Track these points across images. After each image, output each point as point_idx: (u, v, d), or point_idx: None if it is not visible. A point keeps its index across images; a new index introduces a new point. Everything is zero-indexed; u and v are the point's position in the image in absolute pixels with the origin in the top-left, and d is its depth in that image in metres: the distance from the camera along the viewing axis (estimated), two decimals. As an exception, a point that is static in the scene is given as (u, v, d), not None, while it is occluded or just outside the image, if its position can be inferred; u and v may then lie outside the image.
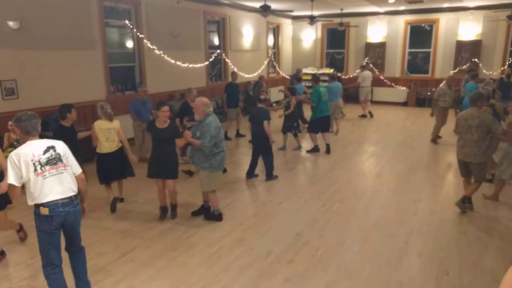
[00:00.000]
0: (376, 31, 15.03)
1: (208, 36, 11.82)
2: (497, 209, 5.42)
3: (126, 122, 7.35)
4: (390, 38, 14.83)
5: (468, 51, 13.62)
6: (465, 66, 13.43)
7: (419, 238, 4.60)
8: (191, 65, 10.82)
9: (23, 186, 3.09)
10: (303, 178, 6.99)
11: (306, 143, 9.01)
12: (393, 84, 15.00)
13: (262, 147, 6.55)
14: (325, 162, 7.89)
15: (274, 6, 10.76)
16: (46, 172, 3.06)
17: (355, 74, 14.88)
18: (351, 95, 14.33)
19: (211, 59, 11.81)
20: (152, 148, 5.05)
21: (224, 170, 6.25)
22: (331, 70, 14.96)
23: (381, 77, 14.99)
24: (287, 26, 16.50)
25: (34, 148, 3.06)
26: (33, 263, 4.07)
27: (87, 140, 5.71)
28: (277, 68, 16.06)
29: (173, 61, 10.12)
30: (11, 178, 2.98)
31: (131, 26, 9.16)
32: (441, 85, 10.20)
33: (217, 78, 12.72)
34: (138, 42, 9.32)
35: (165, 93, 9.96)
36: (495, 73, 12.88)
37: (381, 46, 14.97)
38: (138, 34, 9.24)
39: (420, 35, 14.75)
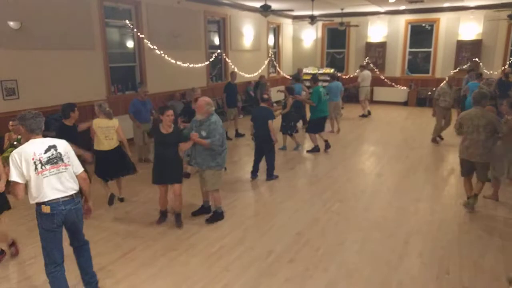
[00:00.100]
0: (377, 30, 15.02)
1: (208, 36, 11.82)
2: (497, 208, 5.42)
3: (126, 122, 7.36)
4: (391, 37, 14.82)
5: (468, 51, 13.62)
6: (465, 66, 13.42)
7: (419, 238, 4.60)
8: (191, 65, 10.82)
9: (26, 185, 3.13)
10: (303, 178, 6.99)
11: (307, 143, 9.01)
12: (393, 83, 14.99)
13: (265, 147, 6.55)
14: (325, 162, 7.89)
15: (274, 6, 10.76)
16: (46, 171, 3.09)
17: (355, 74, 14.88)
18: (352, 95, 14.33)
19: (212, 59, 11.81)
20: (156, 153, 4.89)
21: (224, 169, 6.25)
22: (332, 70, 14.96)
23: (382, 77, 14.99)
24: (288, 26, 16.50)
25: (35, 147, 3.09)
26: (33, 263, 4.08)
27: (88, 140, 5.71)
28: (277, 68, 16.06)
29: (173, 61, 10.12)
30: (14, 176, 3.02)
31: (131, 26, 9.16)
32: (441, 84, 10.18)
33: (218, 78, 12.73)
34: (138, 42, 9.33)
35: (165, 93, 9.97)
36: (496, 72, 12.86)
37: (382, 45, 14.96)
38: (139, 34, 9.25)
39: (421, 35, 14.74)
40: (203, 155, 4.85)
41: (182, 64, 10.46)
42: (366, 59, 15.07)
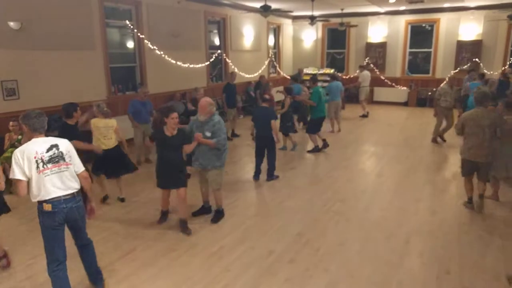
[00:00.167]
0: (377, 31, 15.03)
1: (208, 36, 11.83)
2: (497, 208, 5.42)
3: (126, 123, 7.36)
4: (391, 38, 14.83)
5: (468, 51, 13.62)
6: (465, 66, 13.43)
7: (419, 238, 4.60)
8: (191, 65, 10.83)
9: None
10: (303, 178, 6.99)
11: (309, 143, 9.01)
12: (393, 84, 14.99)
13: (266, 147, 6.54)
14: (325, 162, 7.89)
15: (274, 6, 10.77)
16: (48, 170, 3.12)
17: (355, 74, 14.88)
18: (352, 95, 14.33)
19: (212, 59, 11.82)
20: (159, 157, 4.76)
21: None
22: (332, 70, 14.97)
23: (382, 77, 14.99)
24: (288, 26, 16.51)
25: (38, 146, 3.13)
26: (33, 263, 4.07)
27: (90, 140, 5.71)
28: (277, 68, 16.07)
29: (173, 62, 10.13)
30: (16, 173, 3.06)
31: (131, 27, 9.17)
32: (442, 84, 10.19)
33: (218, 78, 12.73)
34: (138, 42, 9.33)
35: (165, 94, 9.97)
36: (496, 72, 12.86)
37: (382, 46, 14.97)
38: (139, 34, 9.25)
39: (421, 35, 14.75)
40: (208, 155, 4.87)
41: (183, 65, 10.46)
42: (366, 59, 15.07)
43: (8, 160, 6.05)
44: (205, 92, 10.43)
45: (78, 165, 3.36)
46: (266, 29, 14.79)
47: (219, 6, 11.90)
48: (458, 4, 12.88)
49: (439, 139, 9.11)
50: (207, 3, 11.29)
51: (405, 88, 14.86)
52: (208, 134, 4.79)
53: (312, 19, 12.62)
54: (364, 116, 12.57)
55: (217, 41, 12.61)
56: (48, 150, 3.15)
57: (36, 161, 3.08)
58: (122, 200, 5.76)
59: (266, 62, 14.98)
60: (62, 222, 3.22)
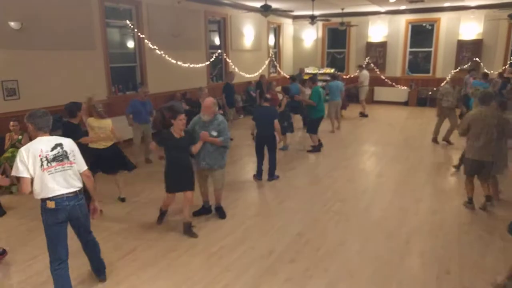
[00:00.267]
0: (377, 30, 15.02)
1: (209, 36, 11.82)
2: (497, 208, 5.42)
3: (126, 123, 7.37)
4: (391, 37, 14.82)
5: (469, 50, 13.61)
6: (466, 66, 13.43)
7: (420, 238, 4.60)
8: (192, 65, 10.83)
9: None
10: (304, 178, 6.99)
11: (308, 144, 9.01)
12: (394, 83, 14.98)
13: (267, 146, 6.54)
14: (326, 162, 7.89)
15: (274, 6, 10.77)
16: (52, 169, 3.18)
17: (356, 73, 14.88)
18: (352, 95, 14.33)
19: (212, 59, 11.81)
20: (169, 160, 4.68)
21: None
22: (332, 70, 14.97)
23: (382, 77, 14.98)
24: (288, 26, 16.50)
25: (43, 144, 3.19)
26: (33, 263, 4.07)
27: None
28: (278, 68, 16.06)
29: (174, 61, 10.12)
30: (21, 170, 3.10)
31: (132, 26, 9.17)
32: (442, 84, 10.18)
33: (218, 78, 12.73)
34: (139, 42, 9.33)
35: (166, 93, 9.97)
36: (496, 72, 12.85)
37: (382, 45, 14.96)
38: (139, 34, 9.25)
39: (421, 35, 14.74)
40: (215, 154, 4.90)
41: (183, 64, 10.46)
42: (366, 59, 15.07)
43: (9, 160, 6.06)
44: (205, 92, 10.43)
45: (81, 164, 3.42)
46: (266, 29, 14.79)
47: (219, 5, 11.89)
48: (459, 4, 12.87)
49: (445, 143, 8.89)
50: (207, 2, 11.28)
51: (405, 87, 14.85)
52: (214, 133, 4.82)
53: (313, 19, 12.62)
54: (364, 115, 12.56)
55: (217, 41, 12.60)
56: (53, 149, 3.21)
57: (41, 159, 3.14)
58: (123, 200, 5.76)
59: (267, 62, 14.98)
60: (65, 219, 3.27)
